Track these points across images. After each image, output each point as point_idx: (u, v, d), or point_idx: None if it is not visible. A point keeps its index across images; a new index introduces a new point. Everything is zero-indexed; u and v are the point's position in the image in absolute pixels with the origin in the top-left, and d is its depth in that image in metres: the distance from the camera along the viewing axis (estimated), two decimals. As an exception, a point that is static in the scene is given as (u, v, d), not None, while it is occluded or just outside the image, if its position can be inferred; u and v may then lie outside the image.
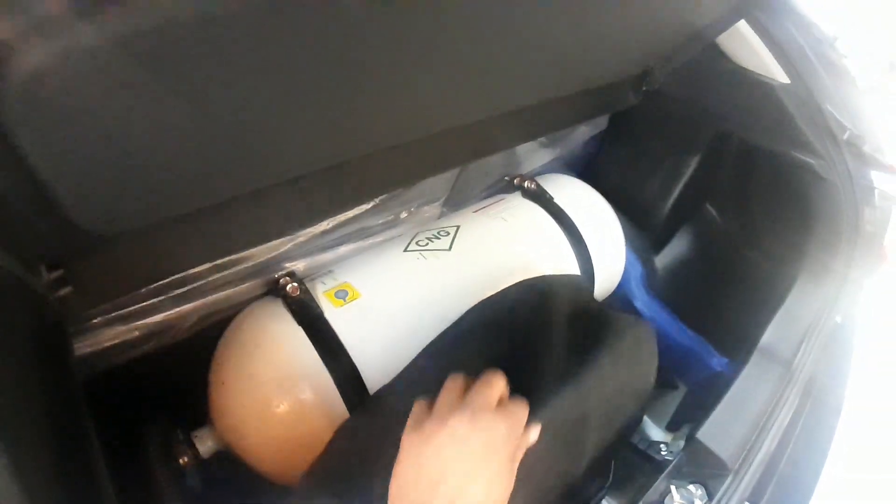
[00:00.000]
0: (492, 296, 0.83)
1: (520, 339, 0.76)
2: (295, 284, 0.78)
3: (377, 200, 0.91)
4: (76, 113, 0.37)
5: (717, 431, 0.78)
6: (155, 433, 0.75)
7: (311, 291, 0.80)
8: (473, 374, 0.56)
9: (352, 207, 0.86)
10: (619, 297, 1.26)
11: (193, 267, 0.71)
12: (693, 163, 1.27)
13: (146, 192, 0.51)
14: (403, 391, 0.71)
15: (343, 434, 0.70)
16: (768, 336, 0.92)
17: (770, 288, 1.07)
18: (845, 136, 0.95)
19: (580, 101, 1.04)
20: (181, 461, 0.73)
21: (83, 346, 0.68)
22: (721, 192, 1.30)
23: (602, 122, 1.39)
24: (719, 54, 1.00)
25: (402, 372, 0.73)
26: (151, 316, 0.73)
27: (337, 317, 0.77)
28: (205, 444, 0.76)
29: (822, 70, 0.93)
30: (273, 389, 0.73)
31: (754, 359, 0.89)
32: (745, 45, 0.95)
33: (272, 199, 0.68)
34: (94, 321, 0.68)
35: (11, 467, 0.41)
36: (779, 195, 1.16)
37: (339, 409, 0.73)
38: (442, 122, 0.77)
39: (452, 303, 0.86)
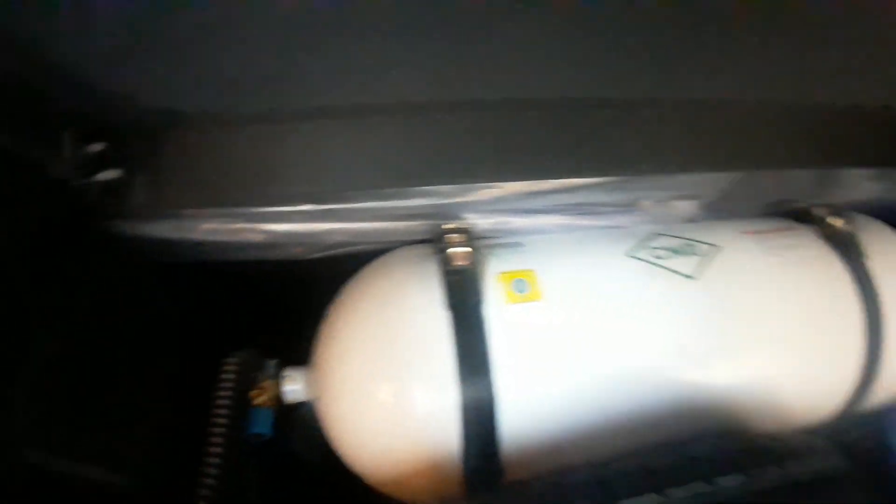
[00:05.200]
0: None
1: None
2: (466, 250, 0.56)
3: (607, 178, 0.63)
4: None
5: None
6: (244, 358, 0.61)
7: (483, 265, 0.57)
8: None
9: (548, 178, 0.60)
10: (874, 430, 0.83)
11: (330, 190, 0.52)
12: None
13: None
14: None
15: None
16: None
17: None
18: None
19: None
20: (252, 395, 0.59)
21: (190, 231, 0.54)
22: None
23: None
24: None
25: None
26: (280, 223, 0.56)
27: (500, 316, 0.54)
28: (293, 385, 0.61)
29: None
30: (378, 373, 0.53)
31: None
32: None
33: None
34: (208, 210, 0.53)
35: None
36: None
37: (451, 443, 0.52)
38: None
39: (672, 365, 0.57)
